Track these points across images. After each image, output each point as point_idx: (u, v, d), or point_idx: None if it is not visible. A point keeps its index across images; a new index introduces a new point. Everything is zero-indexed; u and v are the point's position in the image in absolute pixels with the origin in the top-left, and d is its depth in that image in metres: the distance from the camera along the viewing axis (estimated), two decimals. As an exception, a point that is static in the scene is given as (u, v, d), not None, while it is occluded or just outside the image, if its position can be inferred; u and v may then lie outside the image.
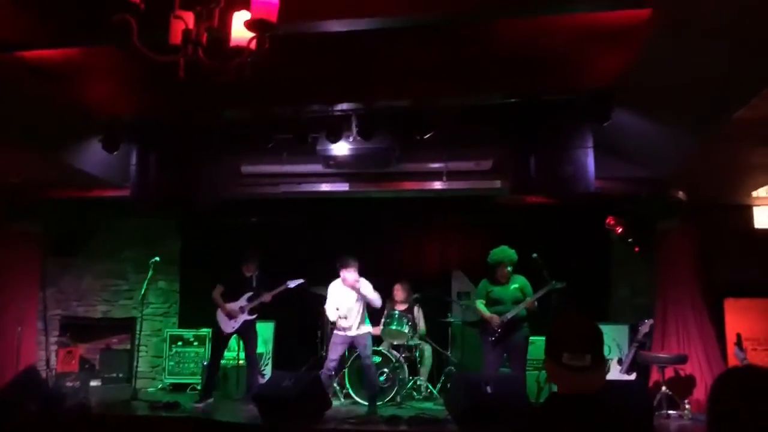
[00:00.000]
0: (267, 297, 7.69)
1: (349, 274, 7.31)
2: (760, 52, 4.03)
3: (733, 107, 4.70)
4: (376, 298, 7.41)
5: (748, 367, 2.04)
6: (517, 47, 5.10)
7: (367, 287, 7.39)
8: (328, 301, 7.51)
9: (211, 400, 7.52)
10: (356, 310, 7.40)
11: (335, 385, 7.85)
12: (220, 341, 7.83)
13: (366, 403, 7.36)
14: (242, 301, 7.68)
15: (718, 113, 4.97)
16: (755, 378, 1.83)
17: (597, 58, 5.24)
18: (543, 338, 6.69)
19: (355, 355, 7.67)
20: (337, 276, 7.47)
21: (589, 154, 6.30)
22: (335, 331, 7.48)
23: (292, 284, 7.67)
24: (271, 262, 7.97)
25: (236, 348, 8.03)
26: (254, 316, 7.72)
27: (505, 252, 7.09)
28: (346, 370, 7.80)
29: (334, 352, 7.36)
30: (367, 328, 7.52)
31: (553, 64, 5.37)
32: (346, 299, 7.41)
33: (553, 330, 2.14)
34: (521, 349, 7.00)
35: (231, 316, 7.63)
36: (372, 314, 7.75)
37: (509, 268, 7.08)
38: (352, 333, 7.38)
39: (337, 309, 7.37)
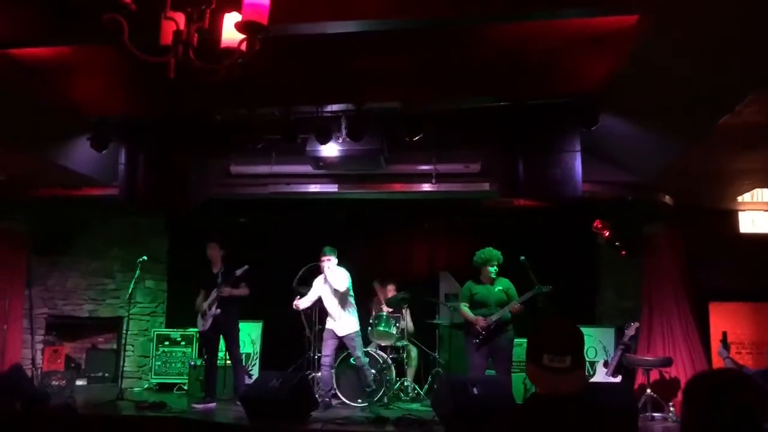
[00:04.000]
0: (224, 291, 7.58)
1: (325, 262, 7.37)
2: (744, 59, 4.08)
3: (718, 113, 4.75)
4: (335, 281, 7.36)
5: (722, 369, 2.10)
6: (505, 51, 5.14)
7: (333, 272, 7.40)
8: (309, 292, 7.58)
9: (212, 405, 7.42)
10: (333, 302, 7.43)
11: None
12: (202, 341, 7.82)
13: (354, 404, 7.38)
14: (210, 299, 7.63)
15: (703, 119, 5.02)
16: (725, 378, 1.88)
17: (584, 63, 5.29)
18: (523, 340, 6.69)
19: (343, 356, 7.67)
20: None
21: (576, 157, 6.35)
22: (326, 326, 7.52)
23: (238, 272, 7.56)
24: (259, 262, 7.95)
25: (222, 348, 8.02)
26: (218, 311, 7.54)
27: (490, 252, 7.11)
28: (333, 371, 7.80)
29: (326, 348, 7.39)
30: (353, 327, 7.48)
31: (541, 69, 5.42)
32: (324, 291, 7.50)
33: (533, 332, 2.17)
34: (506, 352, 6.99)
35: (203, 314, 7.63)
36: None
37: (494, 269, 7.09)
38: (339, 332, 7.39)
39: (301, 297, 7.51)
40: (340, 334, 7.40)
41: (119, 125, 6.82)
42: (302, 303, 7.51)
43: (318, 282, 7.61)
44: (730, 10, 3.74)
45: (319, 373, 7.69)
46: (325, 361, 7.37)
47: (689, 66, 4.49)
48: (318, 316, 8.03)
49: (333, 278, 7.38)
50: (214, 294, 7.57)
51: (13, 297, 8.88)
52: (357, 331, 7.52)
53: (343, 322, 7.42)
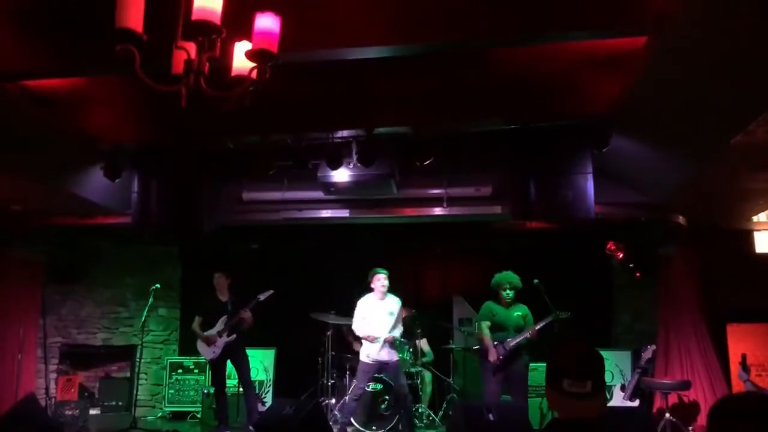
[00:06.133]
0: (244, 314, 7.55)
1: (384, 281, 7.21)
2: (757, 78, 4.06)
3: (730, 132, 4.73)
4: (399, 324, 7.28)
5: (746, 392, 2.05)
6: (515, 74, 5.15)
7: (394, 305, 7.27)
8: (355, 315, 7.33)
9: None
10: (385, 326, 7.20)
11: (336, 412, 7.79)
12: (212, 370, 7.80)
13: (367, 431, 7.31)
14: (219, 326, 7.60)
15: (716, 139, 5.00)
16: (752, 402, 1.83)
17: (595, 85, 5.29)
18: (540, 364, 6.63)
19: (354, 386, 7.59)
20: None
21: (588, 179, 6.32)
22: (361, 359, 7.25)
23: (262, 297, 7.56)
24: (271, 288, 7.94)
25: (234, 375, 7.97)
26: (233, 337, 7.55)
27: (503, 276, 7.10)
28: (346, 398, 7.73)
29: (365, 380, 7.19)
30: (398, 354, 7.32)
31: (551, 91, 5.42)
32: (375, 314, 7.25)
33: (553, 357, 2.14)
34: (522, 377, 6.94)
35: (209, 342, 7.57)
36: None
37: (511, 293, 7.05)
38: (383, 357, 7.16)
39: (364, 318, 7.22)
40: (390, 359, 7.18)
41: (132, 154, 6.87)
42: (358, 329, 7.25)
43: (371, 306, 7.33)
44: (741, 30, 3.74)
45: (333, 400, 7.65)
46: (357, 392, 7.16)
47: (700, 85, 4.47)
48: (332, 342, 8.00)
49: (396, 309, 7.25)
50: (223, 322, 7.56)
51: (28, 326, 8.89)
52: (400, 358, 7.41)
53: (390, 348, 7.23)
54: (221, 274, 7.82)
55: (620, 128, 5.82)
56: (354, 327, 7.32)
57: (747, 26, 3.64)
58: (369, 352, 7.18)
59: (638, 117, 5.51)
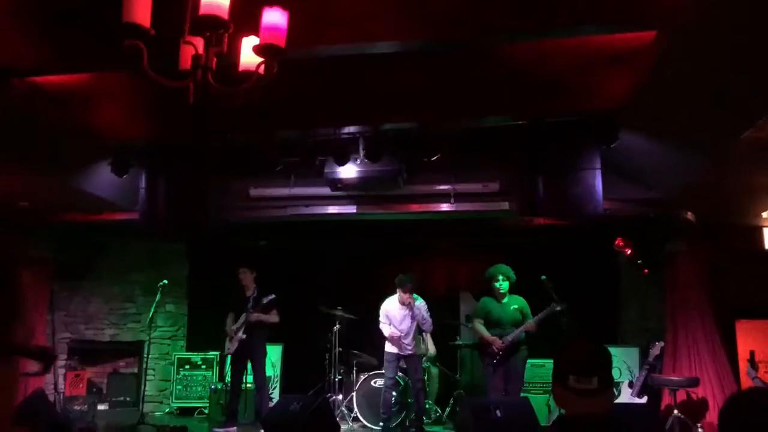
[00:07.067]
0: (252, 316, 7.60)
1: (405, 294, 7.44)
2: (766, 72, 4.03)
3: (741, 128, 4.69)
4: (427, 320, 7.53)
5: (758, 388, 2.03)
6: (524, 69, 5.12)
7: (421, 307, 7.53)
8: (381, 316, 7.61)
9: (233, 429, 7.43)
10: (408, 328, 7.48)
11: (343, 408, 7.80)
12: (231, 364, 7.83)
13: (375, 426, 7.31)
14: (240, 322, 7.66)
15: (725, 134, 4.96)
16: (765, 399, 1.81)
17: (604, 80, 5.25)
18: (546, 361, 6.64)
19: (364, 378, 7.61)
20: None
21: (597, 175, 6.29)
22: (386, 350, 7.54)
23: (265, 300, 7.62)
24: (278, 285, 7.96)
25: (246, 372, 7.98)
26: (244, 336, 7.59)
27: (495, 268, 7.15)
28: (354, 394, 7.74)
29: (390, 371, 7.45)
30: (418, 349, 7.59)
31: (560, 86, 5.39)
32: (399, 317, 7.51)
33: (560, 353, 2.12)
34: (519, 372, 6.98)
35: (230, 337, 7.64)
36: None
37: (499, 284, 7.04)
38: (404, 351, 7.45)
39: (389, 324, 7.51)
40: (412, 352, 7.48)
41: (140, 150, 6.88)
42: (385, 330, 7.55)
43: (389, 305, 7.62)
44: (751, 23, 3.70)
45: (339, 396, 7.68)
46: (389, 383, 7.43)
47: (710, 80, 4.44)
48: (339, 338, 8.01)
49: (422, 312, 7.51)
50: (243, 318, 7.59)
51: (36, 322, 8.92)
52: (423, 355, 7.74)
53: (412, 340, 7.51)
54: (245, 269, 7.89)
55: (629, 124, 5.79)
56: (381, 327, 7.59)
57: (757, 20, 3.61)
58: (394, 345, 7.46)
59: (647, 112, 5.48)
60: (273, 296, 7.63)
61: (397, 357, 7.45)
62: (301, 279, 8.86)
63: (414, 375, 7.40)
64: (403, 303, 7.46)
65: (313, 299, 7.91)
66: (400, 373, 7.91)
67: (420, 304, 7.52)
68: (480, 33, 4.36)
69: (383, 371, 7.56)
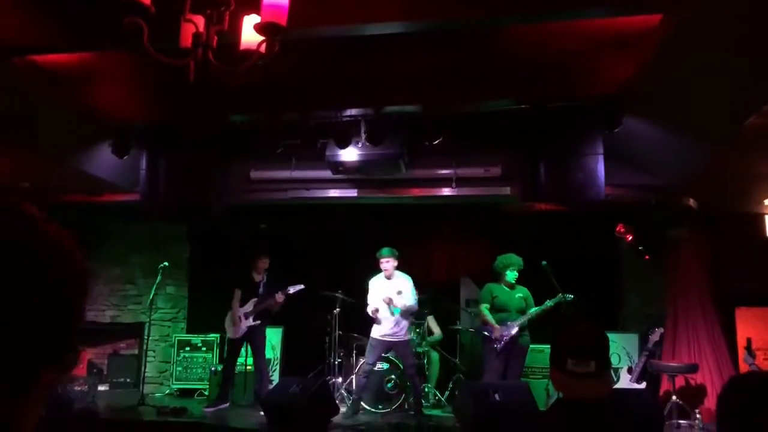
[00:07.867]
0: (271, 304, 7.63)
1: (386, 264, 7.25)
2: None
3: (744, 114, 4.67)
4: (410, 298, 7.23)
5: (756, 372, 2.02)
6: (527, 53, 5.09)
7: (403, 283, 7.29)
8: (369, 294, 7.37)
9: (224, 405, 7.50)
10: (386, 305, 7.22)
11: (343, 390, 7.82)
12: (230, 346, 7.84)
13: (375, 410, 7.34)
14: (248, 307, 7.68)
15: (729, 120, 4.94)
16: (763, 384, 1.80)
17: (607, 65, 5.22)
18: (545, 346, 6.62)
19: (363, 362, 7.63)
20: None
21: (599, 161, 6.27)
22: (372, 335, 7.32)
23: (292, 290, 7.61)
24: (279, 268, 7.96)
25: (244, 354, 8.01)
26: (258, 322, 7.68)
27: (510, 258, 7.11)
28: (353, 377, 7.76)
29: (375, 356, 7.26)
30: (408, 333, 7.37)
31: (563, 71, 5.36)
32: (384, 293, 7.26)
33: (557, 337, 2.12)
34: (521, 358, 7.02)
35: (237, 321, 7.65)
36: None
37: (513, 274, 7.05)
38: (391, 337, 7.20)
39: (370, 303, 7.26)
40: (400, 338, 7.23)
41: (140, 131, 6.86)
42: (370, 308, 7.28)
43: (378, 284, 7.37)
44: (754, 10, 3.67)
45: (339, 379, 7.70)
46: (365, 368, 7.22)
47: (714, 66, 4.40)
48: (339, 321, 8.02)
49: (404, 287, 7.27)
50: (252, 304, 7.62)
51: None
52: (411, 338, 7.52)
53: (402, 326, 7.26)
54: (266, 256, 7.89)
55: (632, 109, 5.76)
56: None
57: (762, 5, 3.58)
58: (379, 329, 7.24)
59: (650, 98, 5.46)
60: (302, 286, 7.63)
61: (381, 343, 7.21)
62: (301, 262, 8.85)
63: (405, 361, 7.23)
64: (384, 270, 7.26)
65: (313, 282, 7.89)
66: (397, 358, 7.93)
67: (403, 279, 7.34)
68: (488, 13, 4.31)
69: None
